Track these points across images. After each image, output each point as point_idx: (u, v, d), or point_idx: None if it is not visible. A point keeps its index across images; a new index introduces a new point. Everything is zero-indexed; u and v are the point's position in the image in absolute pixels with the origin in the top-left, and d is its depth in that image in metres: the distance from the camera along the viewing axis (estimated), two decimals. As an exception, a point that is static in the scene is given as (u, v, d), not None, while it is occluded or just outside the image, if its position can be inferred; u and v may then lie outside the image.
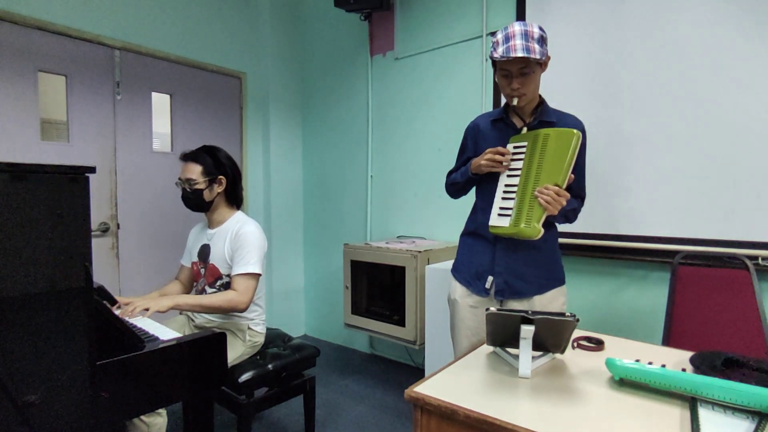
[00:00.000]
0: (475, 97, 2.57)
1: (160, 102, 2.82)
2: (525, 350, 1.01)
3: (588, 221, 2.10)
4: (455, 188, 1.57)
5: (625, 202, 2.01)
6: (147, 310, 1.47)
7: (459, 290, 1.52)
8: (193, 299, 1.62)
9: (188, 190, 1.75)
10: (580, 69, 2.12)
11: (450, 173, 1.60)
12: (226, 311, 1.68)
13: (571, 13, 2.13)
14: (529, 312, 1.00)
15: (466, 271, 1.51)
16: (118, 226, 2.61)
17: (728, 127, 1.77)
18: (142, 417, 1.50)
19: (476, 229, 1.50)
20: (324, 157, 3.45)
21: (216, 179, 1.77)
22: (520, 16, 2.30)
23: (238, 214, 1.86)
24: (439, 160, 2.76)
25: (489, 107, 2.49)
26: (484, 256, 1.46)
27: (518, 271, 1.42)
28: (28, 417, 0.87)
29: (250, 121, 3.32)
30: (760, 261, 1.71)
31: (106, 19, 2.51)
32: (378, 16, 3.00)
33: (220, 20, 3.09)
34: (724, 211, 1.79)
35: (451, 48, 2.67)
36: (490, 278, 1.44)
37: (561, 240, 2.17)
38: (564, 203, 1.23)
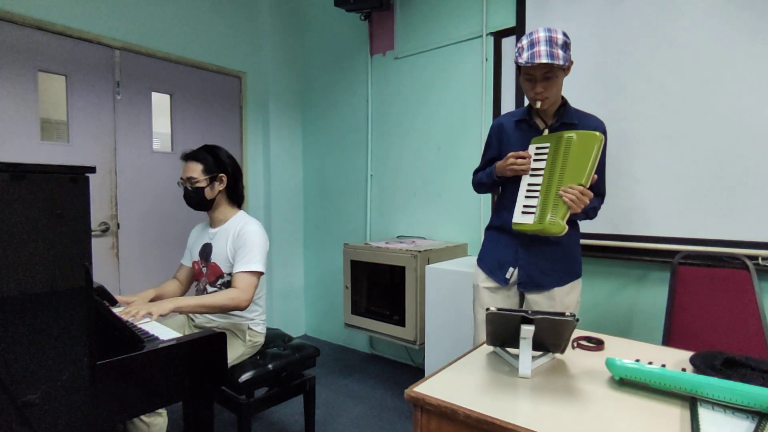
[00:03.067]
0: (475, 96, 2.57)
1: (160, 102, 2.82)
2: (525, 350, 1.01)
3: (588, 221, 2.10)
4: (482, 188, 1.66)
5: (625, 202, 2.01)
6: (151, 314, 1.45)
7: (481, 276, 1.61)
8: (194, 300, 1.61)
9: (189, 188, 1.75)
10: (579, 69, 2.10)
11: (476, 171, 1.68)
12: (228, 310, 1.67)
13: (570, 13, 2.13)
14: (529, 312, 1.00)
15: (490, 261, 1.60)
16: (118, 226, 2.61)
17: (728, 127, 1.77)
18: (142, 417, 1.50)
19: (502, 225, 1.57)
20: (324, 156, 3.45)
21: (217, 177, 1.78)
22: (520, 16, 2.29)
23: (241, 214, 1.86)
24: (439, 159, 2.76)
25: (489, 107, 2.49)
26: (507, 249, 1.54)
27: (540, 264, 1.49)
28: (28, 417, 0.87)
29: (250, 121, 3.32)
30: (760, 261, 1.71)
31: (106, 19, 2.51)
32: (378, 15, 3.00)
33: (220, 20, 3.09)
34: (724, 211, 1.79)
35: (451, 48, 2.67)
36: (511, 269, 1.52)
37: (561, 240, 2.18)
38: (587, 202, 1.29)
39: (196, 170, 1.74)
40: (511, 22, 2.37)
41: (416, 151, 2.87)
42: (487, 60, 2.50)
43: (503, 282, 1.54)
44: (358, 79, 3.17)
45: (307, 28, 3.50)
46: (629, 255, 2.02)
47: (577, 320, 0.99)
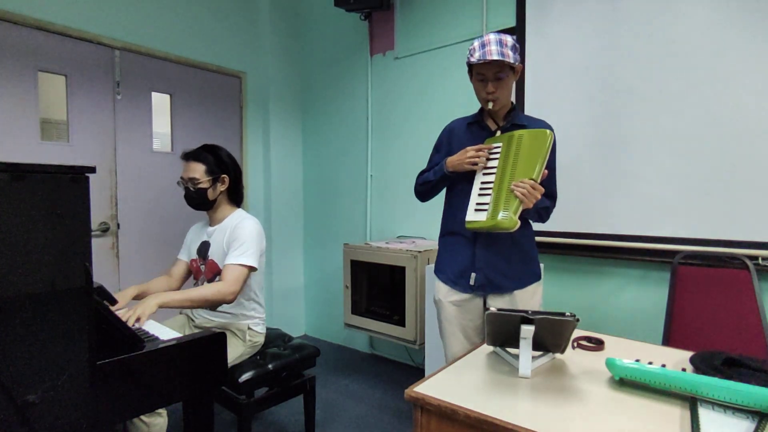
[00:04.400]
0: (474, 96, 2.56)
1: (160, 102, 2.82)
2: (525, 350, 1.01)
3: (588, 221, 2.10)
4: (426, 187, 1.61)
5: (625, 202, 2.01)
6: (139, 319, 1.39)
7: (443, 290, 1.55)
8: (179, 294, 1.55)
9: (192, 189, 1.74)
10: (580, 69, 2.11)
11: (421, 173, 1.64)
12: (214, 303, 1.62)
13: (571, 14, 2.13)
14: (529, 312, 1.00)
15: (450, 271, 1.54)
16: (118, 226, 2.61)
17: (728, 127, 1.77)
18: (142, 417, 1.50)
19: (454, 228, 1.54)
20: (324, 156, 3.45)
21: (219, 178, 1.77)
22: (520, 16, 2.30)
23: (239, 211, 1.86)
24: (439, 160, 2.75)
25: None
26: (465, 254, 1.50)
27: (498, 266, 1.47)
28: (28, 417, 0.87)
29: (250, 121, 3.32)
30: (760, 261, 1.71)
31: (106, 19, 2.51)
32: (378, 15, 3.00)
33: (220, 20, 3.09)
34: (724, 211, 1.79)
35: (451, 48, 2.66)
36: (473, 275, 1.48)
37: (562, 240, 2.18)
38: (539, 196, 1.29)
39: (198, 171, 1.74)
40: (511, 22, 2.37)
41: (416, 150, 2.87)
42: (487, 60, 2.49)
43: (468, 290, 1.49)
44: (358, 80, 3.17)
45: (307, 28, 3.50)
46: (629, 255, 2.02)
47: (578, 320, 0.99)
